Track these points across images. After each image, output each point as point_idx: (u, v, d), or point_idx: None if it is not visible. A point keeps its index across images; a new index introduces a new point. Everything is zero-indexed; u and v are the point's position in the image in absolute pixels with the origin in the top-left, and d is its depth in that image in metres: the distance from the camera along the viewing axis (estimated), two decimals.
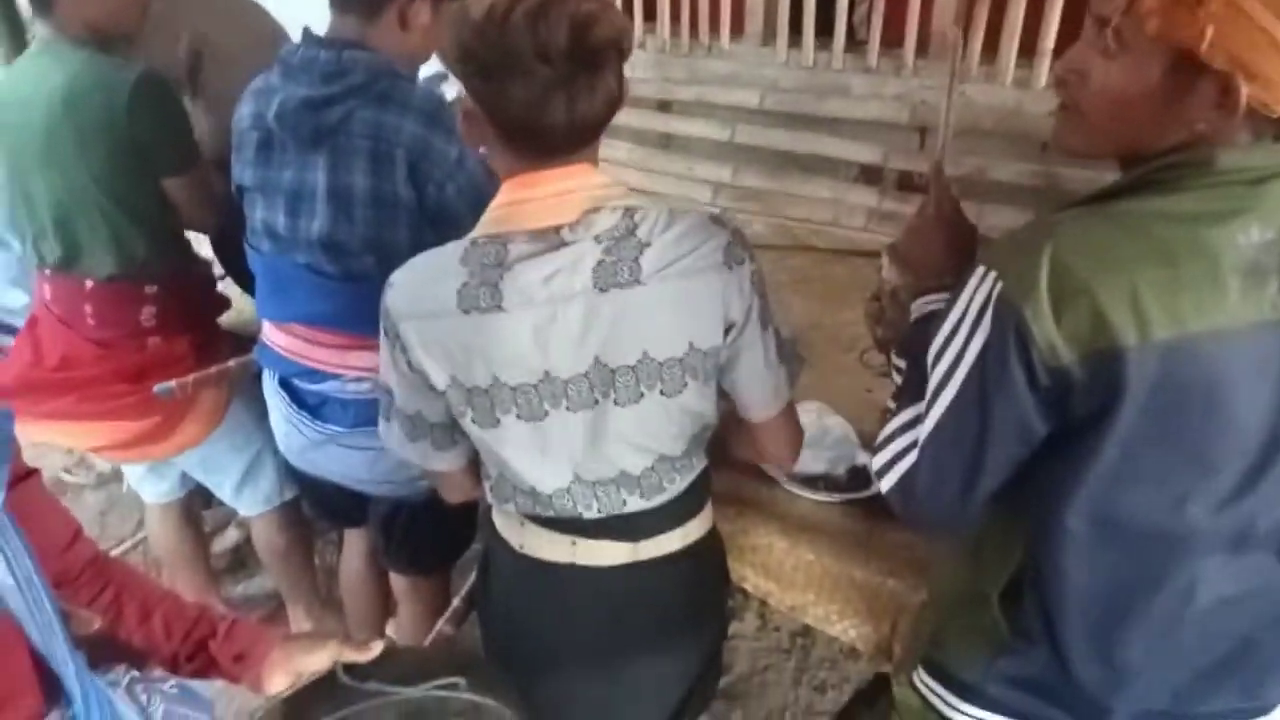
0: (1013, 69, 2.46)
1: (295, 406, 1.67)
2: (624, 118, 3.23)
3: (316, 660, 1.04)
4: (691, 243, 1.04)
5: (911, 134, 2.73)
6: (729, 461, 1.41)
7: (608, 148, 3.23)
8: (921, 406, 0.91)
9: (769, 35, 2.94)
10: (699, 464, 1.25)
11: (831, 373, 1.90)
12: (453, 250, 1.06)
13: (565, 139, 1.00)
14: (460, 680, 1.02)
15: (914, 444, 0.90)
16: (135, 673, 0.98)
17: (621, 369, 1.07)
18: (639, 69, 3.24)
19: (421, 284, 1.07)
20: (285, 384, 1.69)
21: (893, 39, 2.68)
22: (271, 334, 1.66)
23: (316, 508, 2.07)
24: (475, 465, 1.24)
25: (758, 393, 1.16)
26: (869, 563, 1.39)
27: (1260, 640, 0.92)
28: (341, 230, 1.47)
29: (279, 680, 1.03)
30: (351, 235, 1.47)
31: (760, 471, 1.55)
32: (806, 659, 2.43)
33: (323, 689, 1.01)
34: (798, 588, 1.48)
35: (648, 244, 1.03)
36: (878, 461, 0.95)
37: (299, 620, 2.41)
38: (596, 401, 1.09)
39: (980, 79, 2.52)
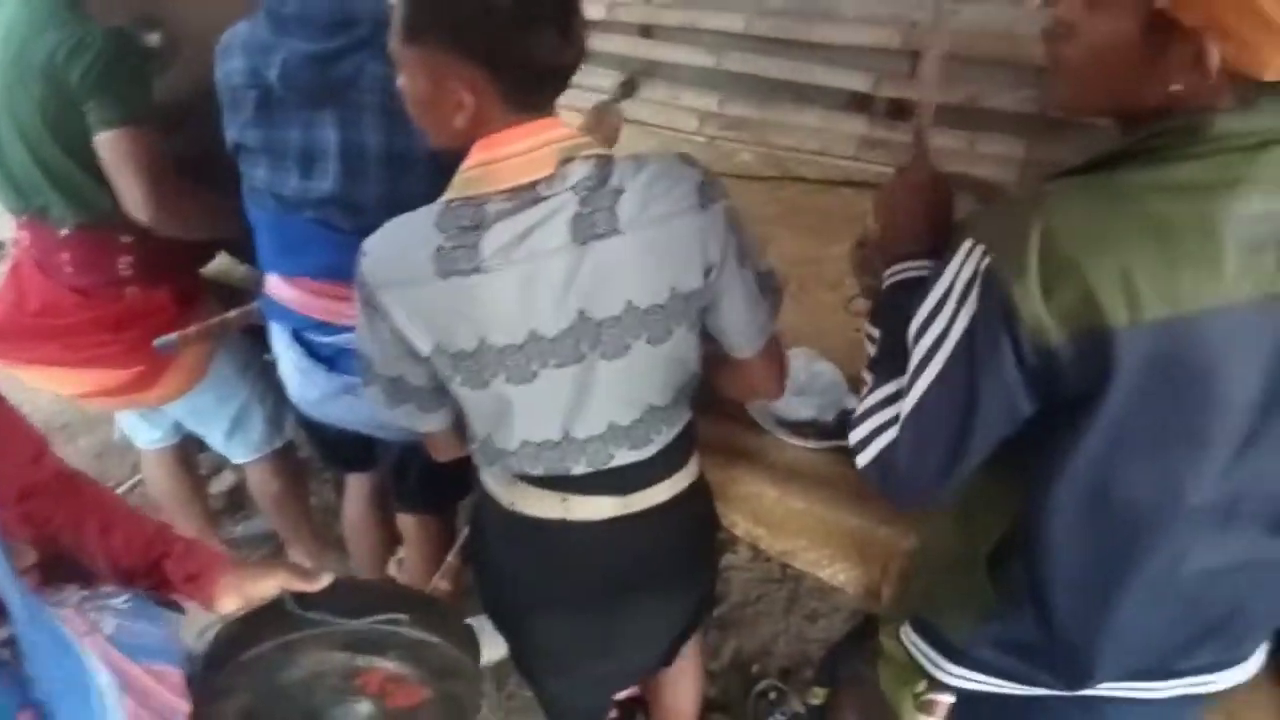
0: None
1: (311, 359, 1.67)
2: (606, 44, 3.16)
3: (265, 586, 1.07)
4: (664, 185, 1.04)
5: (903, 59, 2.64)
6: (717, 408, 1.41)
7: (589, 75, 3.14)
8: (903, 381, 0.90)
9: None
10: (685, 414, 1.25)
11: (821, 311, 1.89)
12: (426, 214, 1.04)
13: (556, 83, 1.03)
14: (403, 616, 1.05)
15: (894, 420, 0.89)
16: (85, 592, 1.01)
17: (607, 320, 1.06)
18: None
19: (397, 251, 1.05)
20: (297, 337, 1.67)
21: None
22: (279, 288, 1.63)
23: (325, 454, 2.08)
24: (462, 424, 1.24)
25: (742, 330, 1.16)
26: (860, 509, 1.41)
27: (1245, 607, 0.93)
28: (357, 189, 1.45)
29: (228, 602, 1.06)
30: (367, 193, 1.45)
31: (749, 419, 1.56)
32: (798, 588, 2.49)
33: (270, 614, 1.05)
34: (788, 533, 1.49)
35: (621, 191, 1.03)
36: (854, 436, 0.94)
37: (299, 560, 2.45)
38: (583, 356, 1.08)
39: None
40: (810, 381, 1.59)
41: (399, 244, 1.05)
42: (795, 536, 1.48)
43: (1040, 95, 2.44)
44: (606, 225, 1.02)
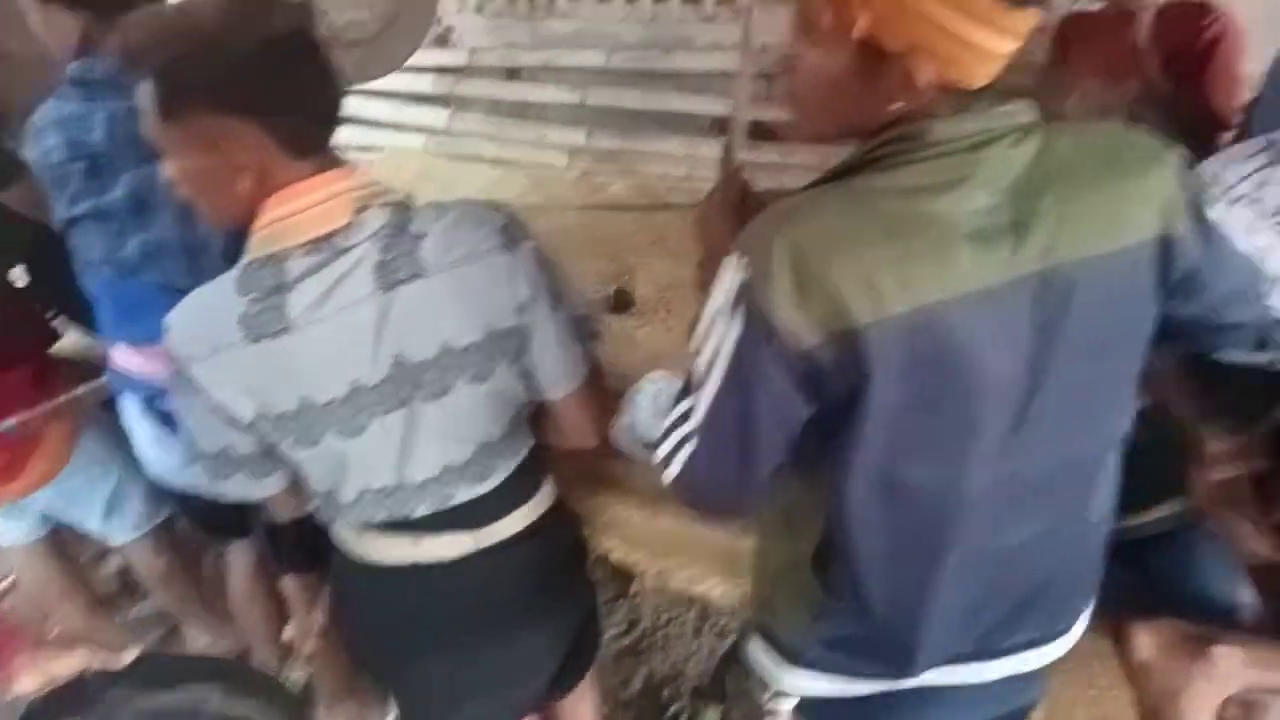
0: None
1: (165, 427, 1.63)
2: (475, 88, 3.20)
3: (67, 664, 1.05)
4: (466, 229, 1.05)
5: (758, 81, 2.74)
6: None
7: (460, 120, 3.18)
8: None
9: None
10: (524, 443, 1.25)
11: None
12: (226, 280, 1.03)
13: (329, 124, 1.05)
14: (214, 688, 1.06)
15: (689, 436, 0.92)
16: None
17: (424, 363, 1.07)
18: (481, 36, 3.18)
19: (200, 322, 1.04)
20: (149, 406, 1.64)
21: None
22: (126, 357, 1.60)
23: (198, 524, 2.02)
24: (300, 483, 1.23)
25: (552, 370, 1.17)
26: (723, 523, 1.43)
27: (1052, 580, 0.98)
28: (196, 237, 1.44)
29: (28, 681, 1.04)
30: (207, 242, 1.44)
31: (611, 445, 1.58)
32: (708, 607, 2.50)
33: (73, 692, 1.04)
34: (661, 554, 1.51)
35: (422, 236, 1.04)
36: (659, 454, 0.96)
37: (195, 636, 2.37)
38: (407, 401, 1.09)
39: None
40: (670, 403, 1.62)
41: (202, 314, 1.05)
42: (667, 556, 1.50)
43: None
44: (409, 270, 1.03)
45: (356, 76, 2.79)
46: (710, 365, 0.86)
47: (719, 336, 0.85)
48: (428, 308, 1.05)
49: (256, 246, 1.03)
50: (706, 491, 0.94)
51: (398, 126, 3.26)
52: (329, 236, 1.02)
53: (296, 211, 1.01)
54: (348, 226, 1.02)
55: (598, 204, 2.74)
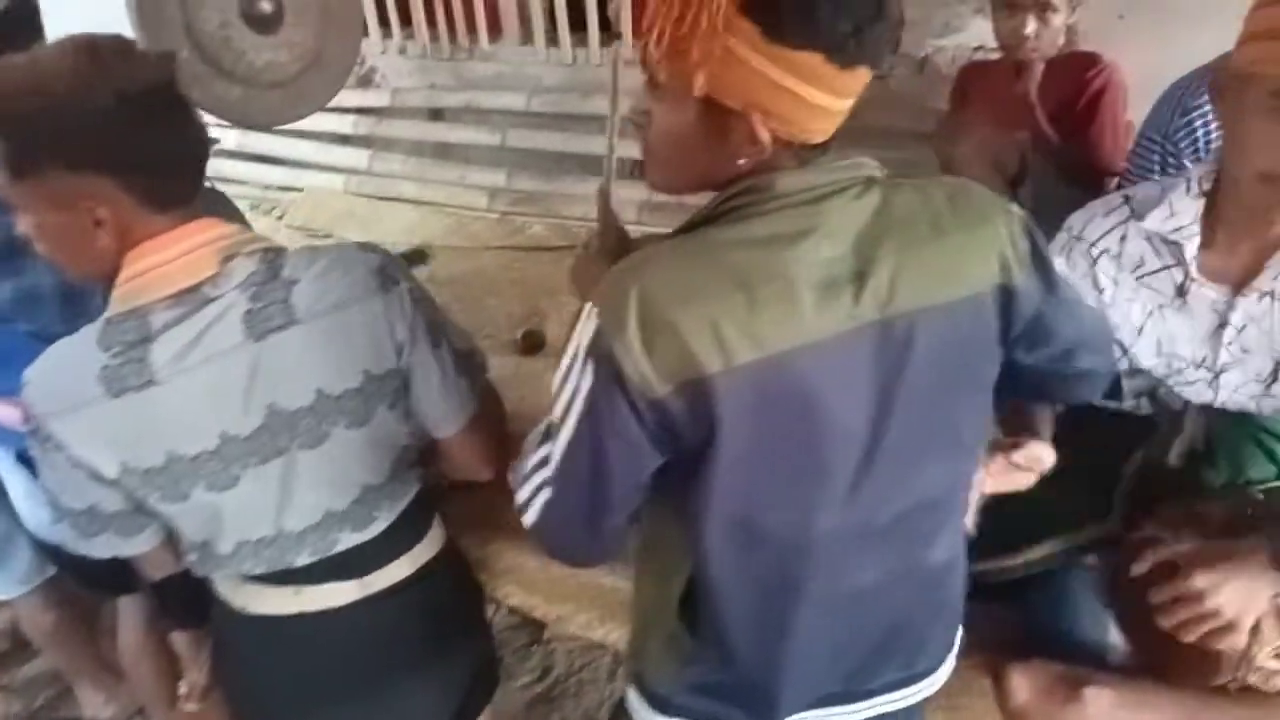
0: None
1: (37, 480, 1.56)
2: (397, 129, 3.18)
3: None
4: (339, 273, 1.04)
5: None
6: (470, 484, 1.41)
7: (381, 161, 3.16)
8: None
9: (527, 34, 2.93)
10: (409, 487, 1.23)
11: None
12: (86, 335, 1.01)
13: (192, 174, 1.03)
14: None
15: (545, 483, 0.91)
16: None
17: (299, 411, 1.05)
18: (404, 77, 3.18)
19: (59, 377, 1.01)
20: (21, 459, 1.58)
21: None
22: None
23: (81, 580, 1.94)
24: (174, 538, 1.19)
25: (436, 410, 1.16)
26: (613, 568, 1.41)
27: (908, 621, 0.99)
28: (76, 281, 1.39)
29: None
30: (88, 285, 1.39)
31: (504, 491, 1.55)
32: (619, 653, 2.47)
33: None
34: (557, 599, 1.49)
35: (295, 282, 1.02)
36: (518, 499, 0.95)
37: (88, 698, 2.27)
38: (283, 450, 1.07)
39: None
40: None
41: (61, 369, 1.01)
42: (563, 602, 1.48)
43: None
44: (283, 317, 1.02)
45: (275, 118, 2.76)
46: (565, 413, 0.86)
47: (573, 385, 0.84)
48: (302, 355, 1.03)
49: (118, 301, 1.00)
50: (561, 538, 0.93)
51: (319, 167, 3.23)
52: (195, 288, 1.00)
53: (159, 265, 0.99)
54: (214, 276, 1.00)
55: (518, 245, 2.73)
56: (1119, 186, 1.82)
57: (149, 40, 2.10)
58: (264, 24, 2.38)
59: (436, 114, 3.18)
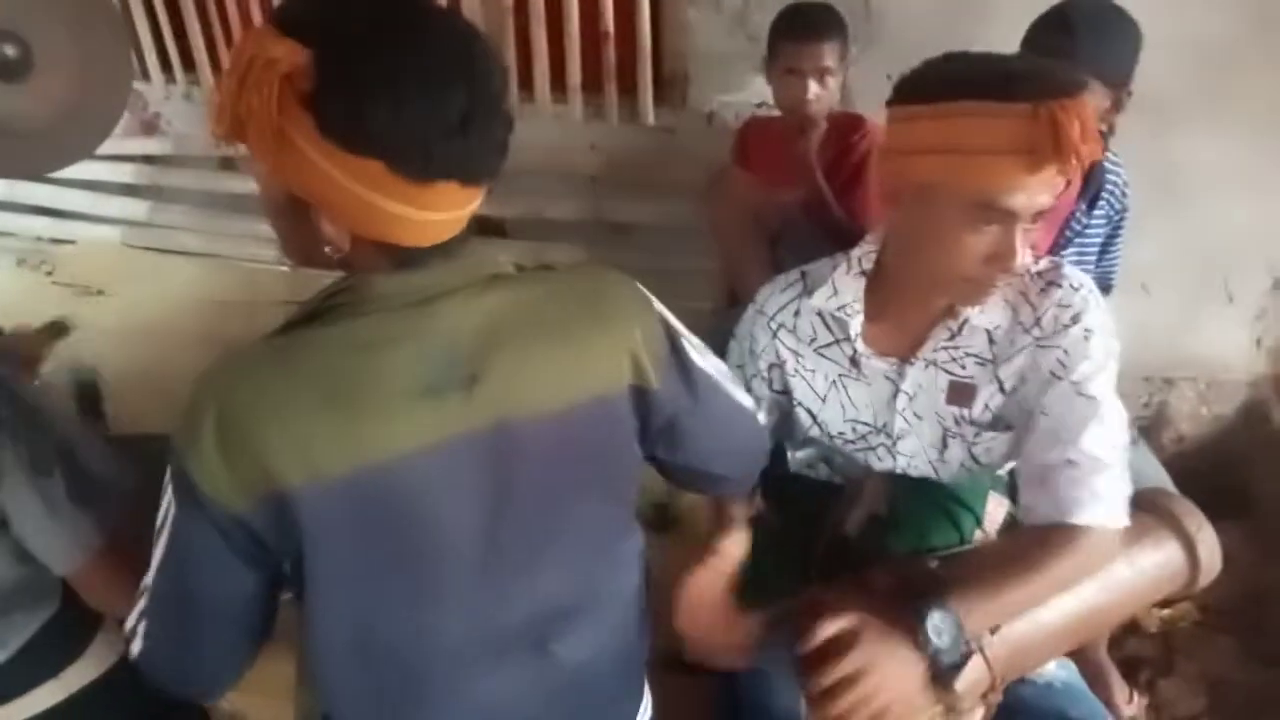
0: (550, 104, 2.50)
1: None
2: (181, 178, 2.99)
3: None
4: None
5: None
6: None
7: (163, 212, 2.96)
8: None
9: None
10: (46, 608, 1.11)
11: None
12: None
13: None
14: None
15: (143, 611, 0.83)
16: None
17: None
18: (191, 124, 3.00)
19: None
20: None
21: None
22: None
23: None
24: None
25: (45, 547, 1.02)
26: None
27: None
28: None
29: None
30: None
31: None
32: None
33: None
34: (276, 695, 1.39)
35: None
36: (126, 629, 0.86)
37: None
38: None
39: (523, 115, 2.53)
40: None
41: None
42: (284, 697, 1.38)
43: (593, 205, 2.57)
44: None
45: (28, 169, 2.55)
46: (158, 534, 0.79)
47: (165, 503, 0.78)
48: None
49: None
50: (166, 669, 0.85)
51: (94, 218, 3.00)
52: None
53: None
54: None
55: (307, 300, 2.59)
56: None
57: None
58: (8, 71, 2.19)
59: (227, 163, 3.00)
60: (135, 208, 2.98)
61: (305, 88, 0.69)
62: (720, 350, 1.15)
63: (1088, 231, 1.74)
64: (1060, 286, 1.10)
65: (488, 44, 0.76)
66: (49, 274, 2.90)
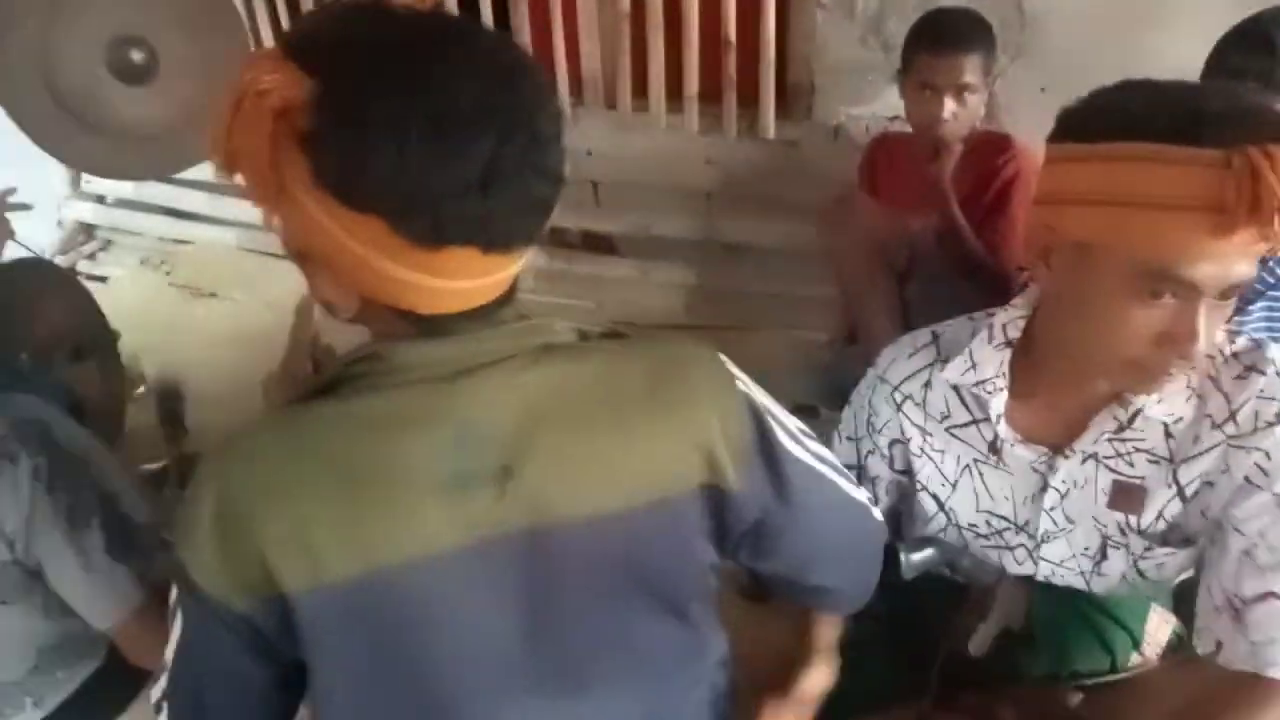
0: (664, 115, 2.37)
1: None
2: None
3: None
4: None
5: (584, 187, 2.61)
6: None
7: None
8: None
9: None
10: (89, 664, 1.10)
11: None
12: None
13: None
14: None
15: (160, 703, 0.75)
16: None
17: None
18: None
19: None
20: None
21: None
22: None
23: None
24: None
25: (84, 602, 1.00)
26: None
27: None
28: None
29: None
30: None
31: None
32: None
33: None
34: None
35: None
36: (152, 700, 0.77)
37: None
38: None
39: (635, 125, 2.42)
40: None
41: None
42: None
43: (706, 223, 2.43)
44: None
45: (149, 172, 2.60)
46: (171, 617, 0.71)
47: (174, 593, 0.70)
48: None
49: None
50: None
51: (211, 220, 3.05)
52: None
53: None
54: None
55: None
56: (1025, 285, 1.65)
57: (2, 98, 1.97)
58: (134, 75, 2.22)
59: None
60: (249, 210, 3.00)
61: (302, 126, 0.57)
62: (831, 394, 0.97)
63: None
64: (1263, 373, 0.89)
65: (538, 82, 0.62)
66: (168, 274, 2.95)
